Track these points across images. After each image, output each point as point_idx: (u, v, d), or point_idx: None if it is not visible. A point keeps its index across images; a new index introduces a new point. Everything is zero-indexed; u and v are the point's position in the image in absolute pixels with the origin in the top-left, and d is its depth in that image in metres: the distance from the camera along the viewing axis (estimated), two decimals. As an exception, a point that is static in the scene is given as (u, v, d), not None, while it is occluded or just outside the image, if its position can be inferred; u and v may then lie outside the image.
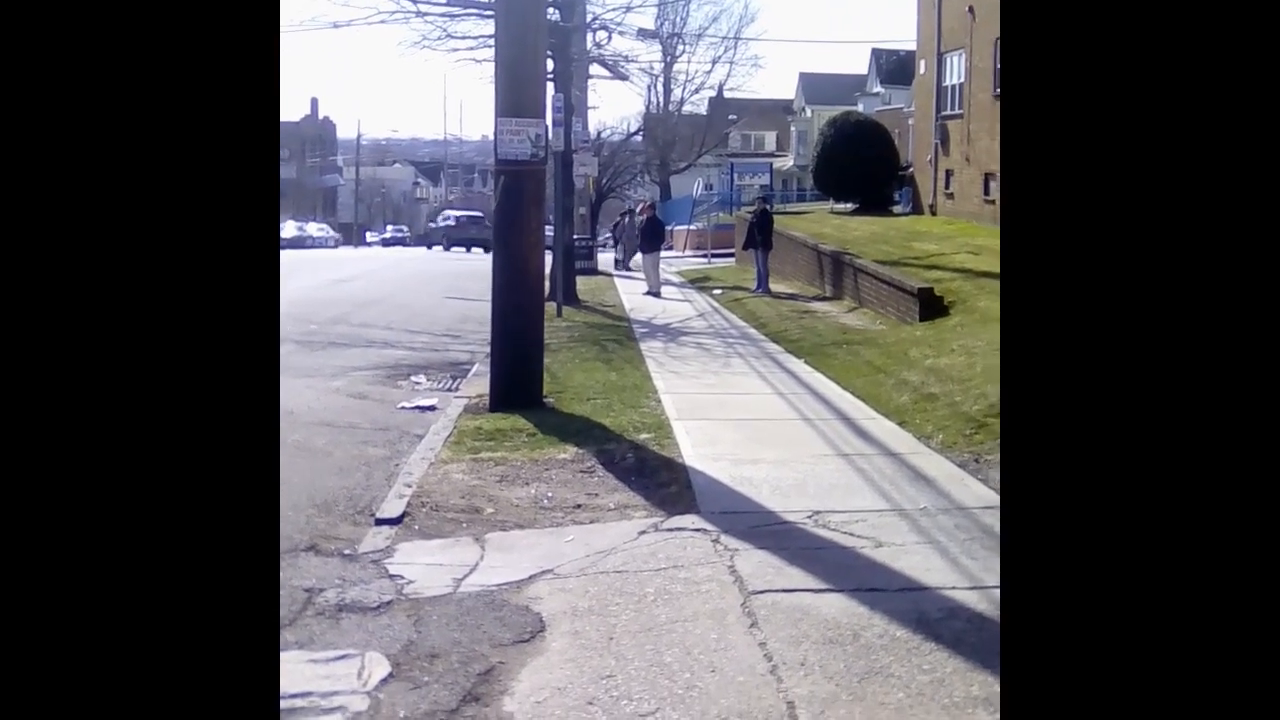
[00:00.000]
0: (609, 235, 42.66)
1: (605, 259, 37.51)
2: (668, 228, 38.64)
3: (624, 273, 33.84)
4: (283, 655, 4.86)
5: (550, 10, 20.46)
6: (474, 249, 47.99)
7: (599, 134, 43.34)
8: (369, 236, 74.67)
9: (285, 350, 14.55)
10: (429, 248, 52.42)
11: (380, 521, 6.95)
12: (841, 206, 36.85)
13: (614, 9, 25.55)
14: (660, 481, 7.86)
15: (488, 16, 20.78)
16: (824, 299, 22.23)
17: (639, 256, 28.99)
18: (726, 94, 65.67)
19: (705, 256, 39.56)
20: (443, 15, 22.71)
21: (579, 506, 7.28)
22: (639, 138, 55.03)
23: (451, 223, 55.35)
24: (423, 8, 21.77)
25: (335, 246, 62.12)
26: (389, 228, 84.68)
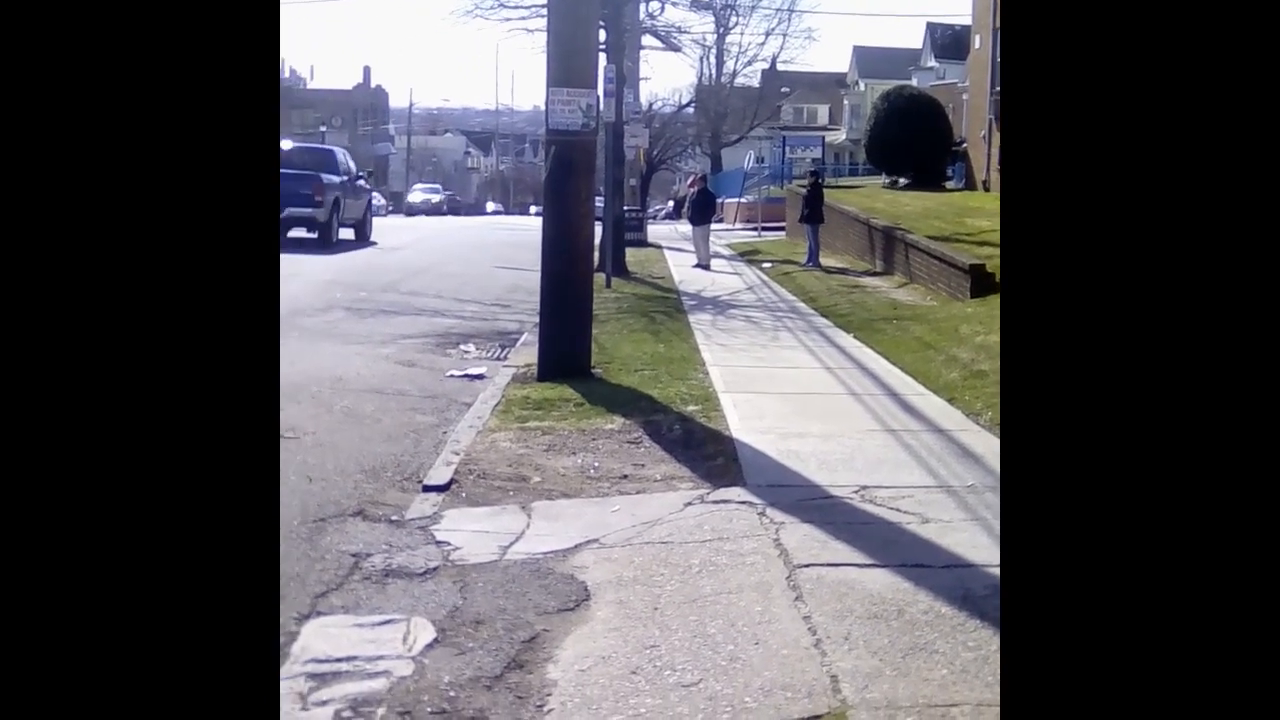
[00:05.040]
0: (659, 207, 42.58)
1: (655, 231, 37.40)
2: (718, 200, 38.53)
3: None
4: (329, 619, 4.91)
5: (604, -20, 20.37)
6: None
7: (650, 105, 43.21)
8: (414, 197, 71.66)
9: (335, 317, 14.65)
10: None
11: (428, 488, 6.97)
12: (893, 181, 36.64)
13: (667, -21, 25.48)
14: (707, 454, 7.85)
15: (541, -14, 20.74)
16: (874, 274, 22.11)
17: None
18: (779, 67, 65.07)
19: (755, 230, 39.38)
20: (496, -16, 22.67)
21: (625, 477, 7.29)
22: (690, 110, 54.79)
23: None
24: (476, -24, 21.72)
25: (385, 214, 62.47)
26: (416, 187, 79.50)
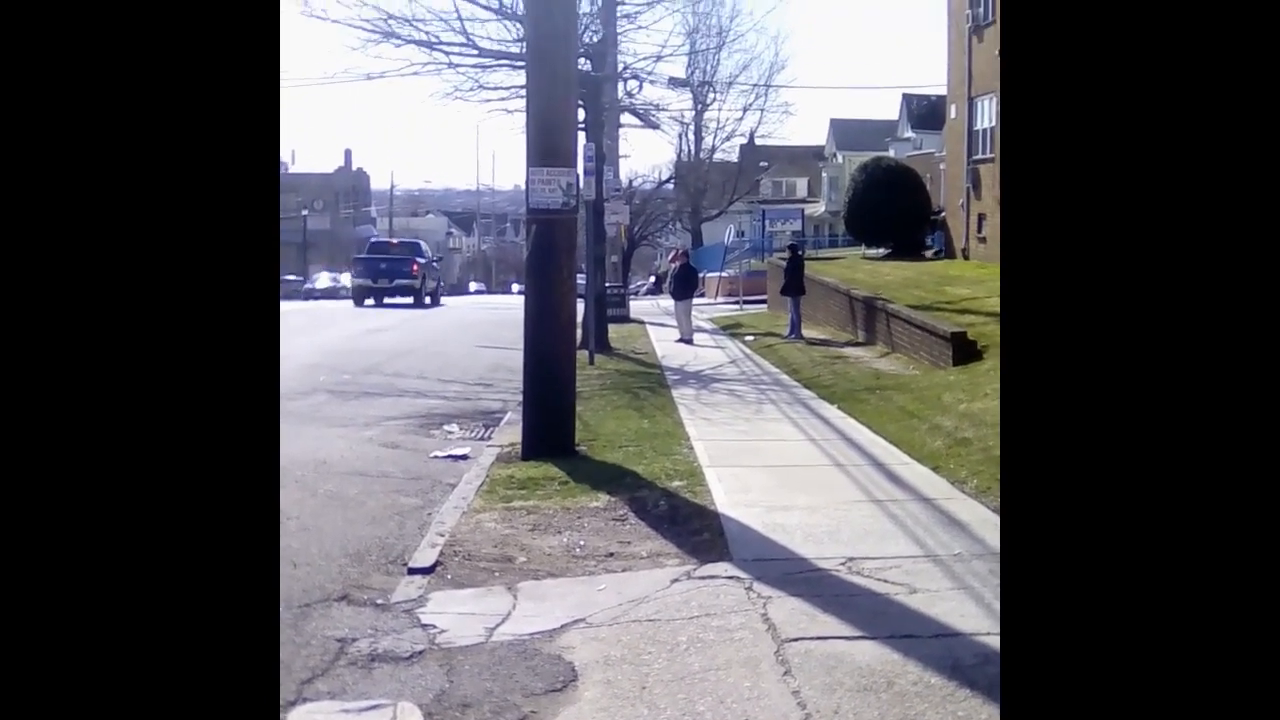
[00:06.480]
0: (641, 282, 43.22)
1: (638, 306, 37.59)
2: (700, 275, 38.70)
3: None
4: (315, 705, 4.87)
5: (581, 60, 20.53)
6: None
7: (630, 182, 43.56)
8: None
9: (319, 400, 14.62)
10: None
11: (413, 571, 6.94)
12: (873, 252, 36.90)
13: (645, 58, 25.74)
14: (693, 529, 7.83)
15: (519, 67, 20.90)
16: (856, 344, 22.17)
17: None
18: (757, 141, 65.77)
19: (737, 303, 39.54)
20: (474, 66, 22.78)
21: (611, 555, 7.26)
22: (670, 185, 55.15)
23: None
24: (455, 59, 21.85)
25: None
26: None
